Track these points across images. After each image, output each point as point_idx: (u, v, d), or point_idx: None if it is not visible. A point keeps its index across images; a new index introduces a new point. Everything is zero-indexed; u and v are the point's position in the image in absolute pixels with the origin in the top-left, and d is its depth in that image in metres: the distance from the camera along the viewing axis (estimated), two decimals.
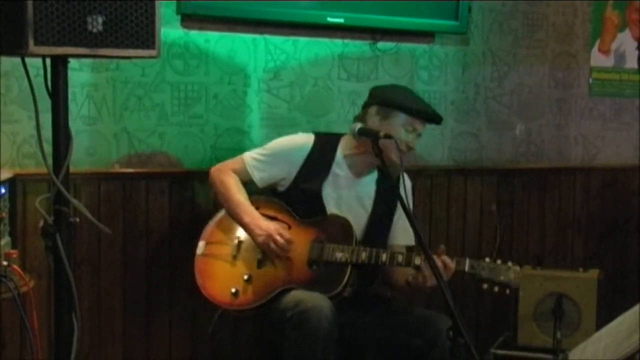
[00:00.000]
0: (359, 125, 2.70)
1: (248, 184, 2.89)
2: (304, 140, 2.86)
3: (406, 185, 2.79)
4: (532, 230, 4.02)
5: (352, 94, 3.58)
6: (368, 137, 2.62)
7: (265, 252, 2.69)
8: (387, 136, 2.60)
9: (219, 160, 3.23)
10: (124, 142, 3.16)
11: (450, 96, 3.82)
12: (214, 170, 2.87)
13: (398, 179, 2.76)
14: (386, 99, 2.79)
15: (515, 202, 3.96)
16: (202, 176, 3.20)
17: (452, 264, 2.61)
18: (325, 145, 2.84)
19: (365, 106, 2.86)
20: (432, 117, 2.83)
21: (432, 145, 3.76)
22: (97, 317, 3.12)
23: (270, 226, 2.69)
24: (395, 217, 2.87)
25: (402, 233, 2.90)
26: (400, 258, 2.67)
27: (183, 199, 3.24)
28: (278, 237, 2.64)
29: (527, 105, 4.02)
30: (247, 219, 2.72)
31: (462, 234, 3.85)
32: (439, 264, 2.55)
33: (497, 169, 3.92)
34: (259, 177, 2.84)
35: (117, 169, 3.15)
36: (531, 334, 3.43)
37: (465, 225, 3.86)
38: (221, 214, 2.88)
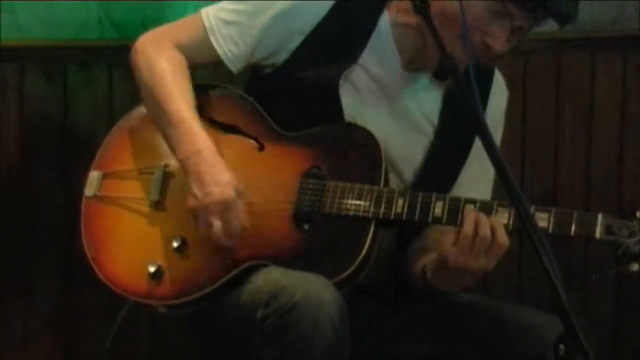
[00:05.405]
0: None
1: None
2: None
3: (496, 95, 2.15)
4: None
5: None
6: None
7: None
8: None
9: (120, 26, 2.56)
10: None
11: None
12: (144, 41, 2.19)
13: (467, 74, 1.88)
14: None
15: None
16: (91, 55, 2.48)
17: (504, 237, 1.92)
18: None
19: None
20: (554, 14, 2.02)
21: None
22: None
23: (220, 190, 1.98)
24: (472, 153, 2.24)
25: (473, 180, 2.24)
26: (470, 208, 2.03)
27: (52, 96, 2.56)
28: (232, 217, 1.95)
29: None
30: (183, 151, 2.05)
31: (585, 164, 2.90)
32: (486, 228, 1.91)
33: None
34: (232, 53, 2.14)
35: None
36: None
37: (590, 148, 2.89)
38: (133, 117, 2.23)
